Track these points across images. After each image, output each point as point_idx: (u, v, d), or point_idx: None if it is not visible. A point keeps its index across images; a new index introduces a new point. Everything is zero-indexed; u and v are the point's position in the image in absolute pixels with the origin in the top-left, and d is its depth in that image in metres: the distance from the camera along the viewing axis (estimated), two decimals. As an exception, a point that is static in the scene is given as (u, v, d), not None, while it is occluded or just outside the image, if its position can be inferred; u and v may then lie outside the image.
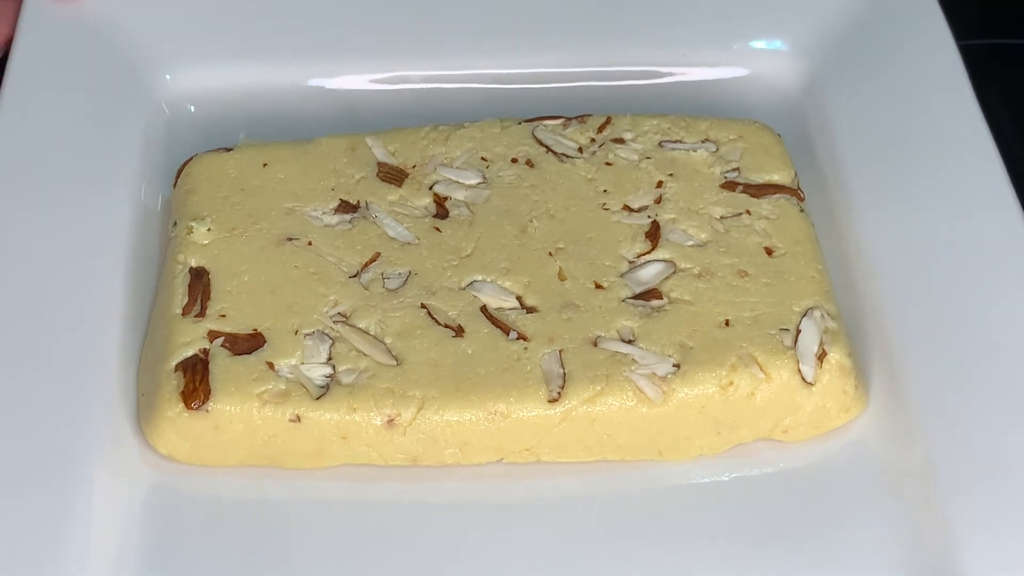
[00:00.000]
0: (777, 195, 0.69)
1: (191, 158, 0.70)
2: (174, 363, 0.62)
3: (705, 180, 0.69)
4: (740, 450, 0.64)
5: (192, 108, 0.76)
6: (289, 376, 0.62)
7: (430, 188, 0.69)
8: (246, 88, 0.76)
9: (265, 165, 0.70)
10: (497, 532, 0.61)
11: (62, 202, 0.68)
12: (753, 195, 0.69)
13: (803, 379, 0.63)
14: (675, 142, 0.71)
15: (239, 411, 0.61)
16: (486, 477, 0.63)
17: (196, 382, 0.62)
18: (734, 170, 0.70)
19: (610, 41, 0.78)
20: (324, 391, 0.62)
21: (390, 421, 0.61)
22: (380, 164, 0.70)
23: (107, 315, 0.66)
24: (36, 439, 0.61)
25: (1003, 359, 0.63)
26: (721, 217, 0.68)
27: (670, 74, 0.78)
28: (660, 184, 0.69)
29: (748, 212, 0.68)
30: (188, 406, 0.61)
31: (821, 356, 0.63)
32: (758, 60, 0.78)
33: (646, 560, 0.60)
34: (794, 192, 0.69)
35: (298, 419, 0.61)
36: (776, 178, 0.69)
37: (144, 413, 0.63)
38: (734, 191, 0.69)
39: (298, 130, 0.73)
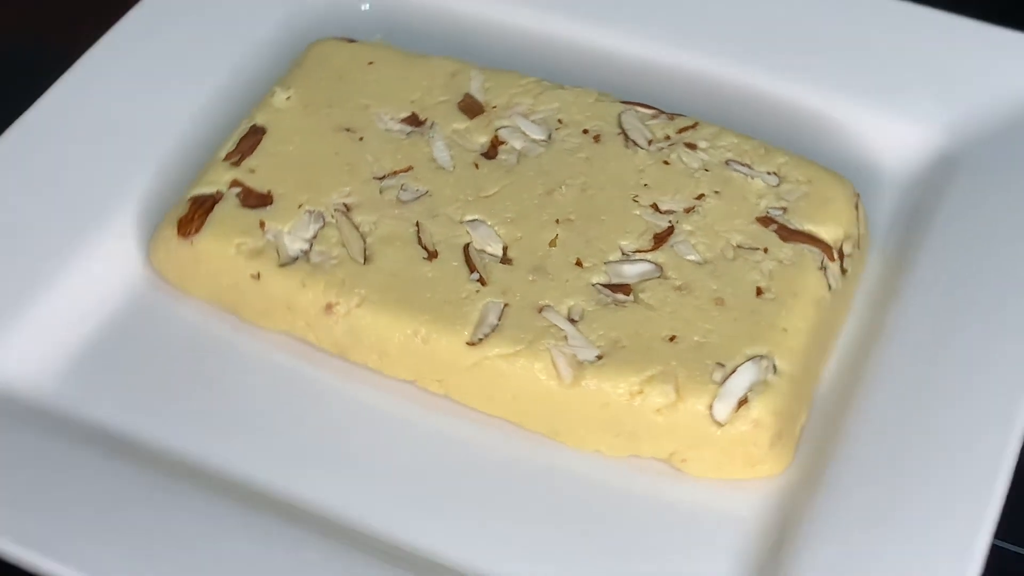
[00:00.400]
0: (806, 245, 0.66)
1: (318, 40, 0.76)
2: (192, 195, 0.69)
3: (744, 207, 0.68)
4: (636, 463, 0.64)
5: (365, 7, 0.82)
6: (271, 239, 0.67)
7: (496, 129, 0.71)
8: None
9: (370, 63, 0.75)
10: (380, 436, 0.64)
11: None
12: (783, 237, 0.67)
13: (712, 416, 0.61)
14: (742, 164, 0.70)
15: (215, 253, 0.67)
16: (400, 394, 0.66)
17: (195, 216, 0.68)
18: (781, 209, 0.68)
19: (772, 60, 0.77)
20: (290, 261, 0.66)
21: (329, 307, 0.65)
22: (466, 95, 0.73)
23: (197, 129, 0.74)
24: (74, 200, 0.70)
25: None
26: (737, 245, 0.66)
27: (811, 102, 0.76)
28: (700, 197, 0.68)
29: (765, 250, 0.66)
30: (179, 232, 0.68)
31: (742, 402, 0.61)
32: (899, 120, 0.75)
33: (471, 508, 0.62)
34: (827, 249, 0.67)
35: (258, 276, 0.66)
36: (820, 231, 0.67)
37: (157, 227, 0.70)
38: (766, 227, 0.67)
39: (434, 47, 0.77)
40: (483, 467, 0.64)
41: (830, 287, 0.66)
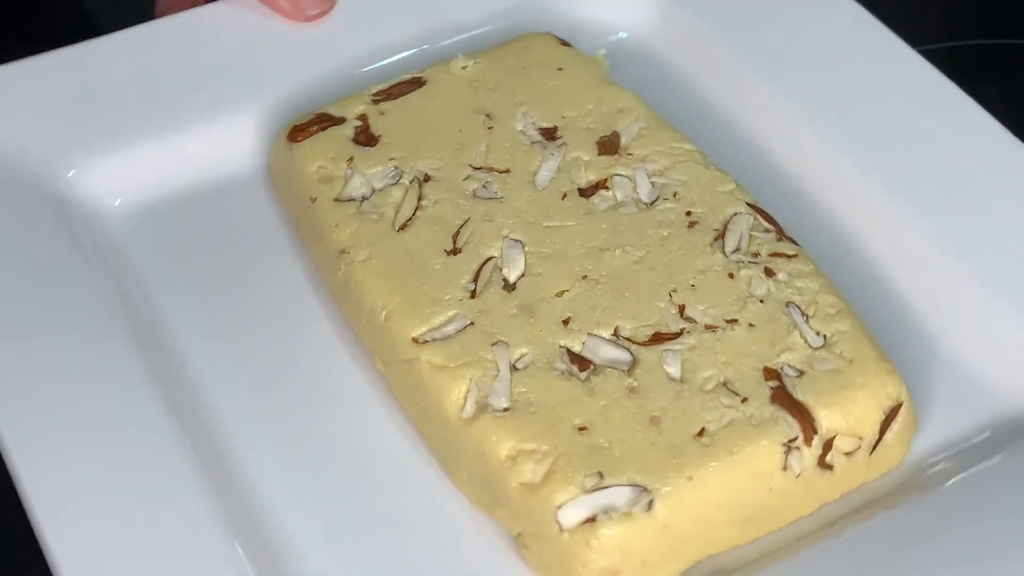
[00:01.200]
0: (789, 415, 0.60)
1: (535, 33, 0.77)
2: (322, 111, 0.73)
3: (763, 352, 0.62)
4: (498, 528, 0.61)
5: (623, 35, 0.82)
6: (346, 175, 0.70)
7: (612, 175, 0.69)
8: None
9: (560, 69, 0.74)
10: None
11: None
12: (773, 398, 0.60)
13: (557, 516, 0.58)
14: (801, 313, 0.63)
15: (301, 166, 0.70)
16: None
17: (309, 127, 0.72)
18: (799, 372, 0.61)
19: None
20: (344, 200, 0.68)
21: (342, 252, 0.67)
22: (614, 133, 0.71)
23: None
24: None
25: None
26: (722, 382, 0.61)
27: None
28: (732, 321, 0.63)
29: (744, 400, 0.60)
30: (289, 136, 0.72)
31: (590, 519, 0.57)
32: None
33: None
34: (808, 431, 0.60)
35: (314, 200, 0.69)
36: (818, 412, 0.60)
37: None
38: (766, 380, 0.61)
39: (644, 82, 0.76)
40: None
41: (786, 468, 0.59)
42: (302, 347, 0.68)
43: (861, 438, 0.61)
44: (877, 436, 0.61)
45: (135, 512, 0.58)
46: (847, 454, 0.61)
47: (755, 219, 0.67)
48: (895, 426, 0.62)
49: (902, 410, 0.62)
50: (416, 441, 0.64)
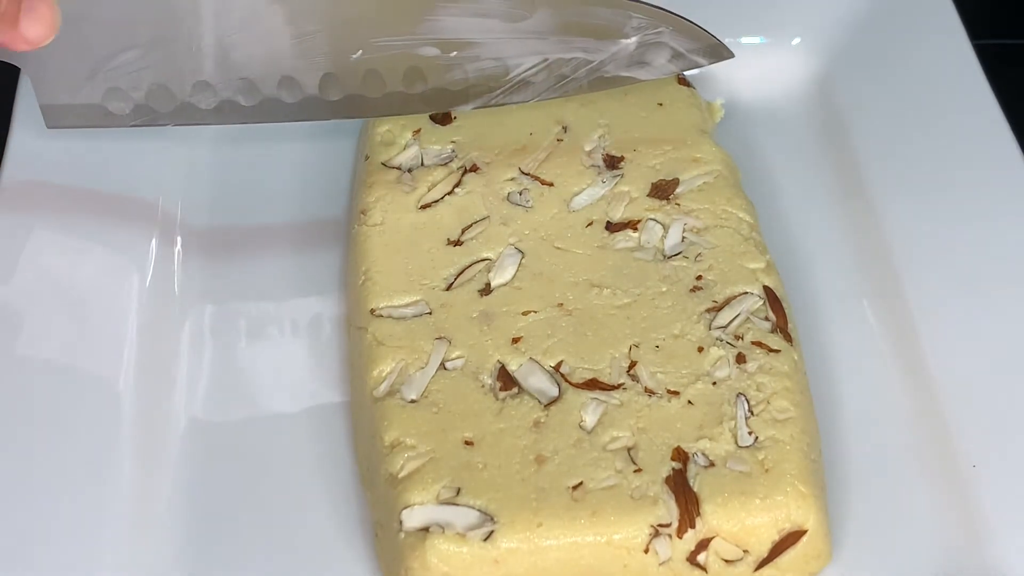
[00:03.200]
0: (676, 503, 0.57)
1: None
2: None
3: (682, 432, 0.59)
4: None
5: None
6: (409, 142, 0.70)
7: (647, 219, 0.67)
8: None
9: (660, 104, 0.73)
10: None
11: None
12: (670, 487, 0.58)
13: (401, 517, 0.58)
14: (748, 407, 0.60)
15: (373, 121, 0.72)
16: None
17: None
18: (709, 463, 0.58)
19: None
20: (394, 169, 0.70)
21: (362, 211, 0.68)
22: (674, 180, 0.69)
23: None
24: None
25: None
26: (610, 440, 0.59)
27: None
28: (674, 393, 0.61)
29: (637, 472, 0.58)
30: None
31: (425, 528, 0.57)
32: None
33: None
34: (686, 521, 0.57)
35: (365, 158, 0.71)
36: (711, 512, 0.57)
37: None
38: (674, 460, 0.58)
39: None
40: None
41: (647, 551, 0.57)
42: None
43: (747, 551, 0.57)
44: (766, 555, 0.57)
45: None
46: (727, 561, 0.57)
47: (763, 304, 0.64)
48: (792, 552, 0.58)
49: (805, 538, 0.57)
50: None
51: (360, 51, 0.67)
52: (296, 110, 0.68)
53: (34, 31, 0.59)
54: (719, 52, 0.70)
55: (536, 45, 0.68)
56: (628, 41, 0.68)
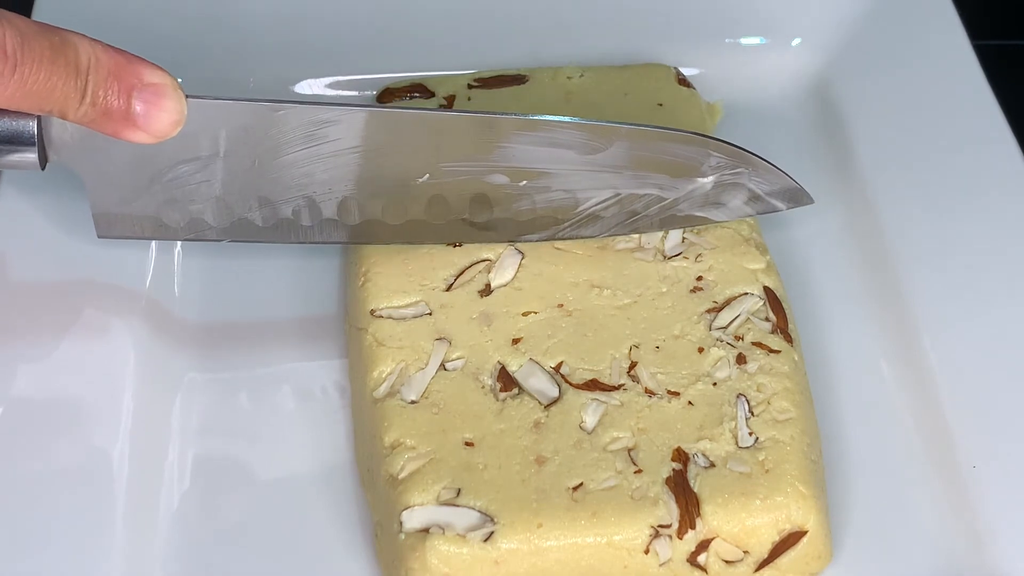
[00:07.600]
0: (677, 507, 0.57)
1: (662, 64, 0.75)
2: (419, 81, 0.74)
3: (681, 432, 0.59)
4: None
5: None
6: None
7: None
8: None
9: (660, 105, 0.73)
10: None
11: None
12: (674, 492, 0.58)
13: (401, 518, 0.58)
14: (748, 407, 0.60)
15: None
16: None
17: (398, 95, 0.74)
18: (709, 463, 0.58)
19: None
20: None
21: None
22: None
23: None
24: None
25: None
26: (609, 439, 0.59)
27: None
28: (674, 394, 0.61)
29: (636, 473, 0.58)
30: (378, 97, 0.74)
31: (426, 529, 0.57)
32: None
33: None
34: (686, 522, 0.57)
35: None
36: (711, 514, 0.57)
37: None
38: (674, 462, 0.59)
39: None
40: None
41: (648, 551, 0.57)
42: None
43: (747, 552, 0.57)
44: (766, 556, 0.57)
45: None
46: (727, 562, 0.57)
47: (763, 305, 0.64)
48: (792, 553, 0.58)
49: (805, 538, 0.57)
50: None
51: (427, 175, 0.64)
52: (353, 232, 0.65)
53: (159, 126, 0.56)
54: (799, 197, 0.66)
55: (609, 179, 0.64)
56: (705, 180, 0.64)
